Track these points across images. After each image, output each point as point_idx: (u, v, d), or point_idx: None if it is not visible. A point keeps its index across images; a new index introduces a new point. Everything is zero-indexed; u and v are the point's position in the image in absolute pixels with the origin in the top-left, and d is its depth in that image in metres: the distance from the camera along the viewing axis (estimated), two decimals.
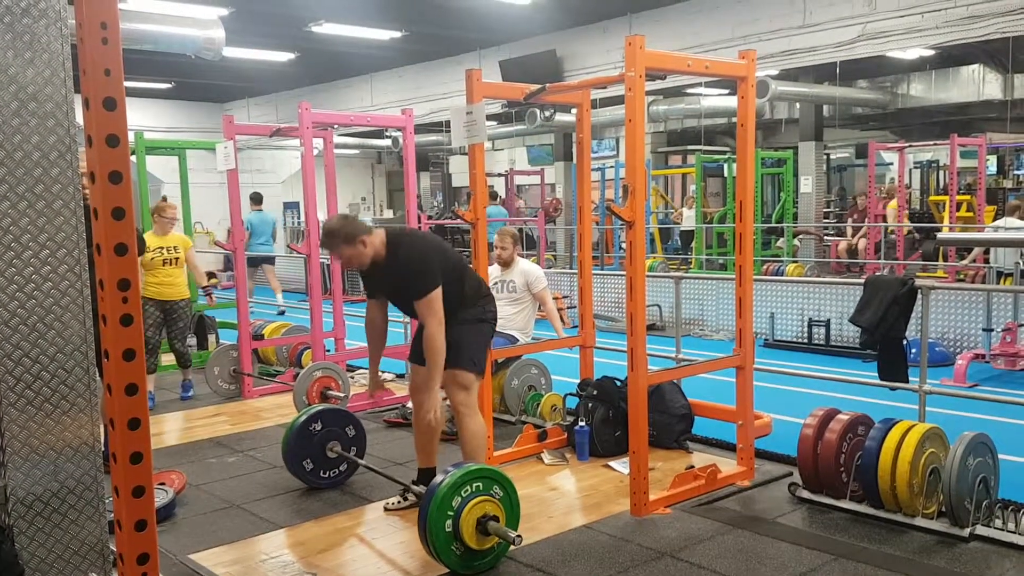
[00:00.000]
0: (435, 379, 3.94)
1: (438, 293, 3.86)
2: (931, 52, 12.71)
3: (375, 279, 4.14)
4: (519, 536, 3.46)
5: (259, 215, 12.43)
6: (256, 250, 11.67)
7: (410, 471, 4.49)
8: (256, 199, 12.48)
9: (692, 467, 4.56)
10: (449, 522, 3.41)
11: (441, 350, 3.88)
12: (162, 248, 6.45)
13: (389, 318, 4.35)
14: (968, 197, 14.72)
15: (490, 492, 3.52)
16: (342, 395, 6.09)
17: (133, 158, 7.80)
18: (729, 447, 5.02)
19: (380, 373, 4.46)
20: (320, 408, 4.68)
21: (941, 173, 17.85)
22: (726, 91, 15.25)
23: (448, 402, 4.26)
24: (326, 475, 4.60)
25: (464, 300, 4.10)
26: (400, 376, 7.07)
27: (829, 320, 9.19)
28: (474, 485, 3.49)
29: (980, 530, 3.71)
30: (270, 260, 12.49)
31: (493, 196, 19.86)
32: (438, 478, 3.49)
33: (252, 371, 7.00)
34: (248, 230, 11.35)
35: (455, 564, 3.46)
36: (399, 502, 4.32)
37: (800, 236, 14.91)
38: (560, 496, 4.50)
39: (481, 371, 4.21)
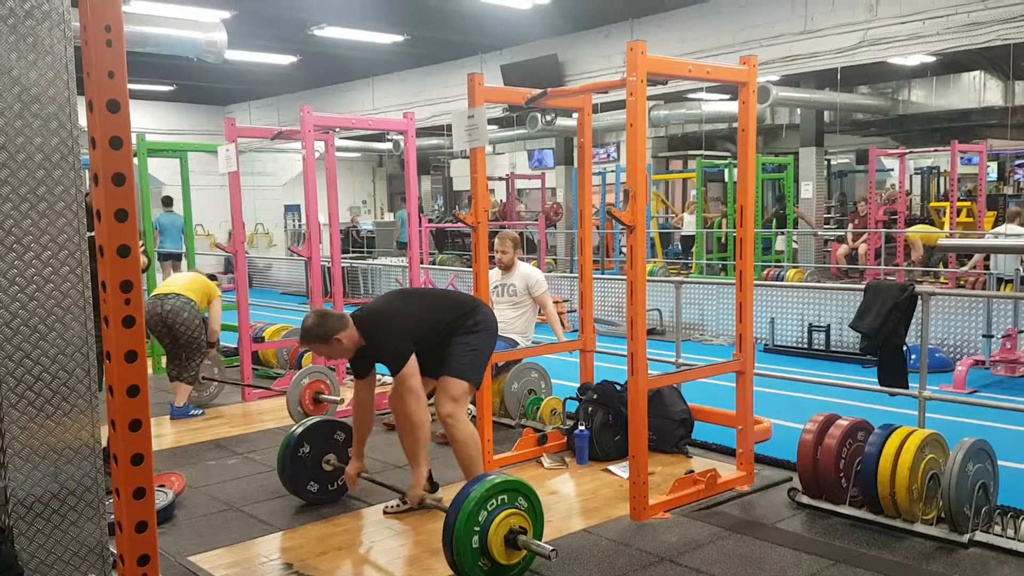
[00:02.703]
0: (418, 458, 3.98)
1: (412, 364, 3.91)
2: (932, 58, 12.72)
3: (362, 361, 4.15)
4: (555, 550, 3.36)
5: (169, 216, 13.57)
6: (166, 247, 13.24)
7: (408, 474, 4.48)
8: (167, 202, 13.86)
9: (692, 472, 4.56)
10: (476, 538, 3.34)
11: (419, 425, 3.93)
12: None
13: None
14: (969, 203, 14.73)
15: (516, 504, 3.46)
16: (337, 399, 6.04)
17: (135, 160, 7.83)
18: (729, 452, 5.02)
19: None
20: (301, 430, 4.49)
21: (942, 179, 17.86)
22: (727, 96, 15.26)
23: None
24: (333, 487, 4.52)
25: (448, 331, 4.09)
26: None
27: (829, 325, 9.19)
28: (500, 498, 3.42)
29: (979, 536, 3.70)
30: (177, 257, 13.89)
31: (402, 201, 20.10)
32: (462, 492, 3.42)
33: (251, 377, 6.98)
34: (157, 229, 12.26)
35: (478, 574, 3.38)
36: (398, 505, 4.31)
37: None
38: (559, 500, 4.50)
39: (474, 381, 4.13)
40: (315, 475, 4.47)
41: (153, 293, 6.38)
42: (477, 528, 3.35)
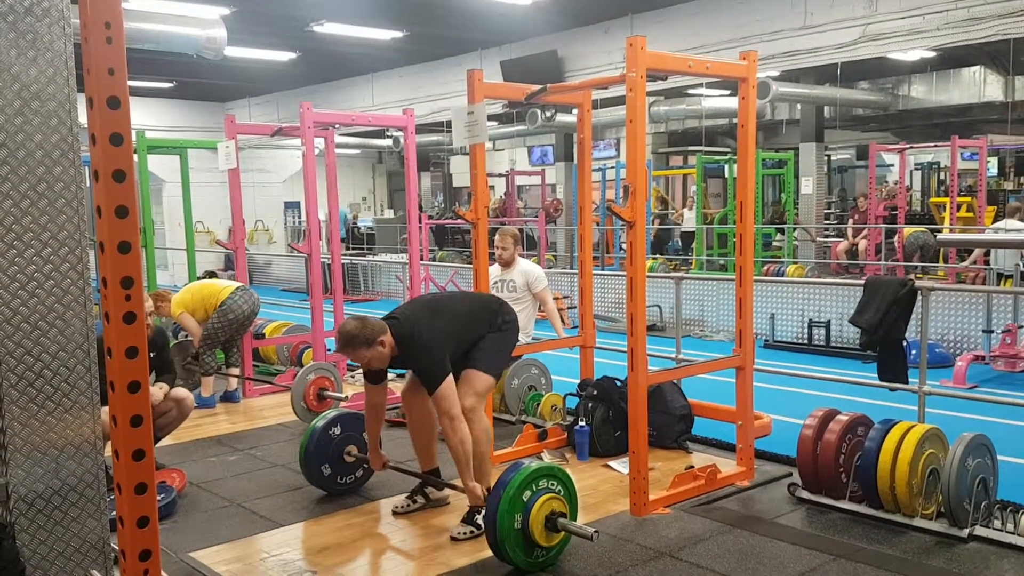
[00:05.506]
0: (464, 476, 3.88)
1: (449, 383, 3.83)
2: (932, 54, 12.71)
3: (385, 369, 4.06)
4: (597, 532, 3.46)
5: None
6: None
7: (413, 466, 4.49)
8: None
9: (692, 467, 4.56)
10: (518, 521, 3.44)
11: (464, 443, 3.84)
12: None
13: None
14: (969, 199, 14.72)
15: (556, 490, 3.58)
16: (342, 396, 6.06)
17: (135, 157, 7.83)
18: (729, 447, 5.02)
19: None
20: (340, 412, 4.61)
21: (942, 175, 17.85)
22: (727, 92, 15.25)
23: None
24: (343, 480, 4.53)
25: (480, 333, 4.07)
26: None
27: (829, 321, 9.20)
28: (544, 482, 3.54)
29: (979, 531, 3.71)
30: None
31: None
32: (503, 479, 3.48)
33: (251, 371, 6.97)
34: None
35: (519, 556, 3.45)
36: (408, 505, 4.28)
37: (799, 229, 14.90)
38: None
39: (497, 376, 4.19)
40: (333, 460, 4.49)
41: (243, 289, 6.60)
42: (529, 493, 3.46)
